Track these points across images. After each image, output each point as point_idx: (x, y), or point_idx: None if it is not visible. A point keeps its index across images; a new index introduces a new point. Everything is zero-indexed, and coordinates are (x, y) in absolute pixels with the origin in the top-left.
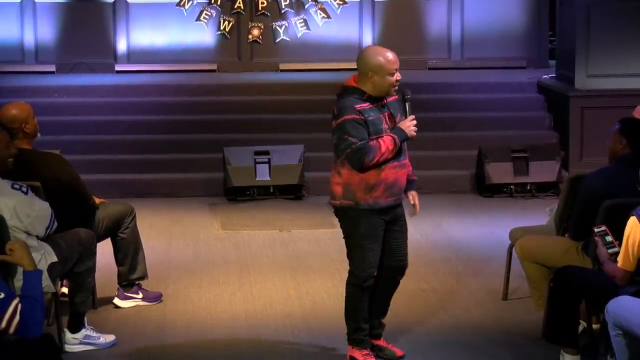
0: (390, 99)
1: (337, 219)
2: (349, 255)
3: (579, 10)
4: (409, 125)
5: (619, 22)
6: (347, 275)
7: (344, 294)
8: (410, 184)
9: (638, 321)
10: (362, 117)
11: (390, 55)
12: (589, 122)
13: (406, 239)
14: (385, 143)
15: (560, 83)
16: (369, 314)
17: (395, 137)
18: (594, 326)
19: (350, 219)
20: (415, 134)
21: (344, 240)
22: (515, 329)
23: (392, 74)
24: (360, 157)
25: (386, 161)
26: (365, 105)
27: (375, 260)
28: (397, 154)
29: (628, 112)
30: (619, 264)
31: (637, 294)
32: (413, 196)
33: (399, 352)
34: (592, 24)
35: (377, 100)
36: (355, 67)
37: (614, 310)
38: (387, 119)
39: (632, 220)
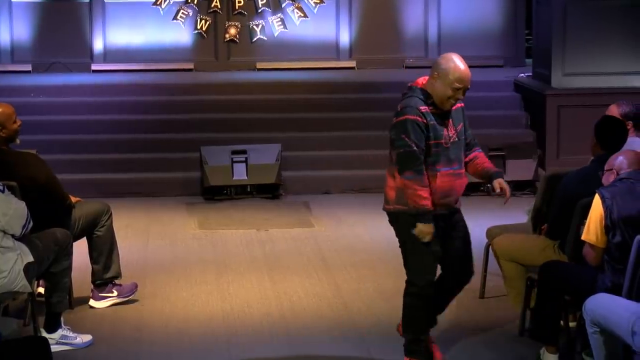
0: (455, 107)
1: (312, 219)
2: (405, 264)
3: (556, 9)
4: (427, 232)
5: (595, 21)
6: (329, 274)
7: (402, 304)
8: (495, 174)
9: (615, 319)
10: (424, 120)
11: (461, 70)
12: (566, 120)
13: (469, 247)
14: (424, 196)
15: (537, 82)
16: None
17: (425, 211)
18: (571, 324)
19: (404, 224)
20: (420, 232)
21: (399, 248)
22: (493, 327)
23: (454, 89)
24: (408, 165)
25: (439, 169)
26: (429, 108)
27: (434, 267)
28: (450, 162)
29: (604, 110)
30: (583, 236)
31: (613, 289)
32: (499, 183)
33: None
34: (568, 23)
35: (441, 108)
36: (333, 66)
37: (591, 307)
38: (449, 128)
39: (597, 197)
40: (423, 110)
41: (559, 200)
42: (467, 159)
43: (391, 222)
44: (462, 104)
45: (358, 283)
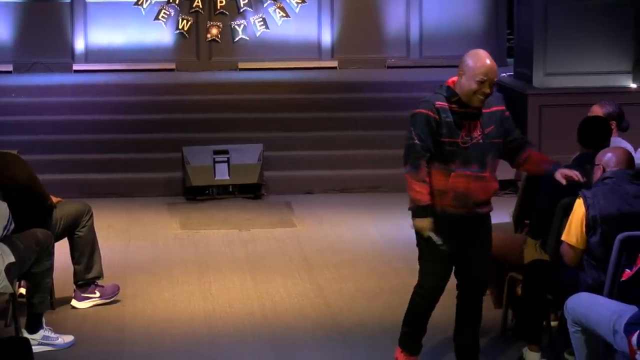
0: (488, 110)
1: (295, 219)
2: (419, 264)
3: (537, 9)
4: (426, 226)
5: (576, 21)
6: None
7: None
8: (552, 170)
9: (597, 318)
10: (437, 116)
11: (485, 61)
12: (547, 120)
13: (486, 254)
14: (420, 190)
15: (518, 81)
16: (454, 338)
17: (421, 206)
18: (552, 323)
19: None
20: (416, 227)
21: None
22: None
23: (478, 82)
24: (406, 158)
25: (453, 169)
26: (453, 106)
27: (443, 273)
28: (468, 162)
29: (585, 110)
30: (563, 237)
31: (595, 287)
32: (561, 174)
33: None
34: (549, 23)
35: (468, 106)
36: (315, 66)
37: (573, 306)
38: (472, 129)
39: (579, 198)
40: (438, 106)
41: (540, 200)
42: (520, 159)
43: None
44: (503, 107)
45: (340, 283)
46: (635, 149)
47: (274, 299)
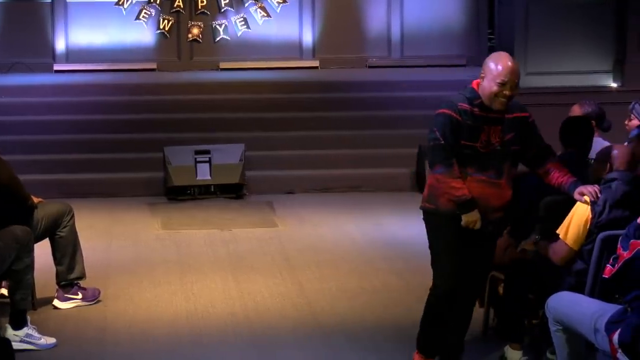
0: (510, 115)
1: (276, 219)
2: (432, 265)
3: (518, 9)
4: (474, 220)
5: (557, 21)
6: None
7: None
8: (571, 188)
9: (578, 317)
10: (459, 117)
11: (506, 63)
12: None
13: (489, 260)
14: (459, 186)
15: None
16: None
17: (465, 199)
18: (533, 322)
19: (432, 225)
20: (466, 223)
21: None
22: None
23: (499, 84)
24: (436, 159)
25: (470, 173)
26: (475, 109)
27: (456, 272)
28: (485, 167)
29: (566, 109)
30: (561, 235)
31: (577, 287)
32: (579, 192)
33: None
34: (530, 22)
35: (490, 111)
36: (296, 65)
37: (554, 305)
38: (492, 134)
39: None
40: (461, 107)
41: (521, 200)
42: (540, 171)
43: (424, 220)
44: (527, 114)
45: (322, 282)
46: None
47: (255, 298)
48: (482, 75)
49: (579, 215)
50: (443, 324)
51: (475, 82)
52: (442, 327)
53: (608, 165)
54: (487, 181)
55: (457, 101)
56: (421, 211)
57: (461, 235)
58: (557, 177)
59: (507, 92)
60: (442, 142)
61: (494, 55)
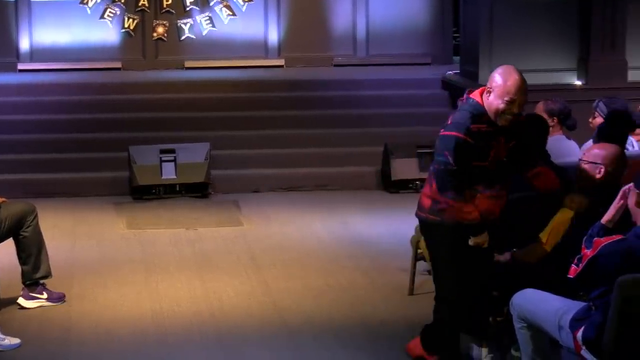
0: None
1: (242, 218)
2: (435, 279)
3: (482, 7)
4: (483, 240)
5: (522, 18)
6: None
7: (433, 321)
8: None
9: (542, 314)
10: (471, 141)
11: (515, 82)
12: None
13: (490, 258)
14: (470, 211)
15: (464, 79)
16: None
17: (476, 224)
18: (498, 319)
19: (437, 237)
20: (476, 243)
21: (430, 262)
22: (422, 323)
23: (507, 101)
24: (447, 185)
25: (480, 191)
26: (483, 126)
27: (464, 282)
28: (492, 184)
29: (531, 107)
30: (544, 240)
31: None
32: (569, 200)
33: None
34: (495, 20)
35: (496, 125)
36: (262, 64)
37: (519, 302)
38: (499, 148)
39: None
40: (474, 129)
41: None
42: (530, 174)
43: (422, 230)
44: (522, 117)
45: (287, 281)
46: (580, 146)
47: (221, 297)
48: (489, 89)
49: (560, 222)
50: (459, 341)
51: (477, 92)
52: (459, 344)
53: (601, 168)
54: (494, 196)
55: (467, 122)
56: (418, 220)
57: (465, 246)
58: (546, 183)
59: (515, 110)
60: (455, 167)
61: (503, 69)
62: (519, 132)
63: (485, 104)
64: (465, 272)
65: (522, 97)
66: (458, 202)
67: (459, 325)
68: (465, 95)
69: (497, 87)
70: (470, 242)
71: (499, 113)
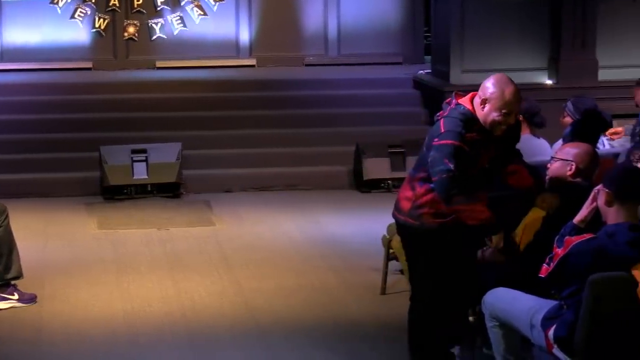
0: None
1: (214, 217)
2: (411, 280)
3: (453, 6)
4: (499, 241)
5: (493, 18)
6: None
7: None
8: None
9: (514, 312)
10: (466, 148)
11: (512, 94)
12: None
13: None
14: (481, 209)
15: (436, 79)
16: None
17: (490, 220)
18: (470, 318)
19: (415, 242)
20: (496, 244)
21: (405, 262)
22: (394, 322)
23: (504, 114)
24: (452, 190)
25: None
26: (474, 135)
27: (446, 286)
28: (476, 190)
29: None
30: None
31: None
32: (543, 199)
33: None
34: (466, 20)
35: (487, 133)
36: (233, 64)
37: (490, 301)
38: (488, 154)
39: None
40: (468, 138)
41: None
42: (504, 172)
43: (399, 232)
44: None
45: (259, 281)
46: (551, 145)
47: (193, 298)
48: (484, 98)
49: (532, 222)
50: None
51: (466, 99)
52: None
53: (572, 165)
54: (479, 201)
55: (462, 130)
56: (395, 222)
57: (445, 250)
58: (521, 180)
59: (510, 122)
60: (456, 172)
61: (498, 79)
62: (509, 139)
63: (479, 114)
64: (443, 276)
65: (518, 108)
66: (469, 205)
67: (436, 327)
68: (453, 100)
69: (494, 99)
70: (492, 243)
71: (495, 124)
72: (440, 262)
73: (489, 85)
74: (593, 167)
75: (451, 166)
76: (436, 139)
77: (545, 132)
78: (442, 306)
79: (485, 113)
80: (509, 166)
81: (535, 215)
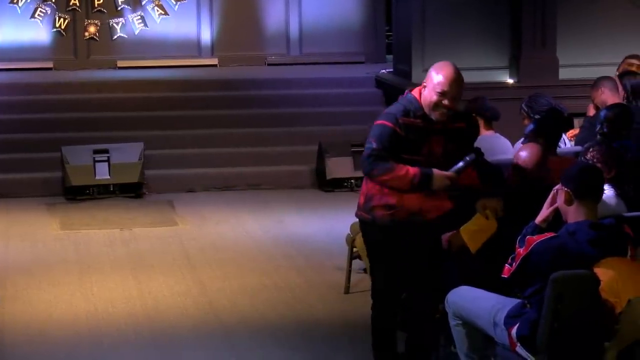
0: (454, 125)
1: (177, 217)
2: (370, 275)
3: (414, 6)
4: (442, 179)
5: (453, 16)
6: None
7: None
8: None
9: (477, 311)
10: (401, 132)
11: (447, 74)
12: None
13: (434, 270)
14: (406, 171)
15: (398, 77)
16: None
17: (420, 175)
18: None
19: (369, 236)
20: (440, 187)
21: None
22: (359, 321)
23: (438, 94)
24: (369, 165)
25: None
26: (417, 121)
27: (391, 278)
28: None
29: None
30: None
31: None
32: (483, 205)
33: None
34: (427, 19)
35: (434, 122)
36: (195, 63)
37: (453, 300)
38: (435, 145)
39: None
40: (401, 122)
41: None
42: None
43: (360, 228)
44: (463, 125)
45: (223, 281)
46: (513, 144)
47: (156, 298)
48: (424, 84)
49: (484, 228)
50: (393, 345)
51: (416, 89)
52: (393, 349)
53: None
54: (427, 194)
55: (398, 114)
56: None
57: (398, 247)
58: (468, 179)
59: (446, 103)
60: (379, 151)
61: (437, 64)
62: (463, 136)
63: (422, 100)
64: (393, 269)
65: (455, 89)
66: (389, 173)
67: (381, 322)
68: (406, 92)
69: (430, 80)
70: (434, 186)
71: (432, 106)
72: (389, 256)
73: (430, 69)
74: (540, 169)
75: (374, 145)
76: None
77: (507, 131)
78: (392, 300)
79: (425, 96)
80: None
81: (482, 224)
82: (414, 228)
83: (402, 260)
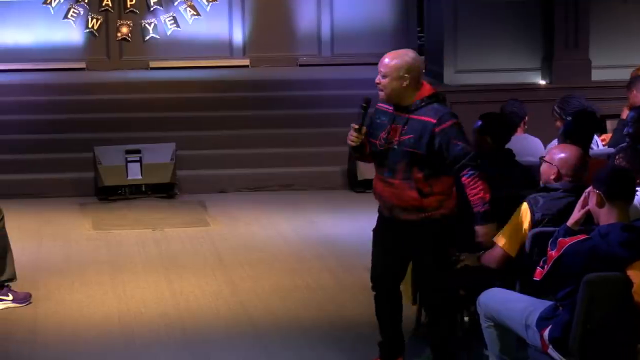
0: (416, 117)
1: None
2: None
3: (446, 7)
4: (354, 143)
5: (486, 18)
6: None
7: None
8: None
9: (509, 313)
10: (375, 115)
11: (387, 55)
12: (458, 116)
13: (429, 270)
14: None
15: (429, 78)
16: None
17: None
18: (465, 318)
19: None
20: (351, 143)
21: None
22: None
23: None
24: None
25: (376, 171)
26: (387, 107)
27: (381, 270)
28: (382, 165)
29: (496, 107)
30: (500, 243)
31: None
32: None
33: None
34: (459, 20)
35: (400, 110)
36: (227, 64)
37: (485, 302)
38: (392, 132)
39: (525, 205)
40: (379, 108)
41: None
42: (463, 181)
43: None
44: (434, 120)
45: (255, 281)
46: (545, 145)
47: (188, 298)
48: None
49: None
50: (390, 325)
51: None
52: (391, 328)
53: (556, 169)
54: (383, 180)
55: (380, 101)
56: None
57: (384, 234)
58: (469, 195)
59: (377, 80)
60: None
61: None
62: (426, 133)
63: None
64: (380, 260)
65: (380, 68)
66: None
67: (383, 311)
68: None
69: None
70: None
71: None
72: (382, 246)
73: None
74: (577, 172)
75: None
76: None
77: (541, 132)
78: (376, 284)
79: None
80: (461, 179)
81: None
82: (391, 226)
83: (387, 254)
